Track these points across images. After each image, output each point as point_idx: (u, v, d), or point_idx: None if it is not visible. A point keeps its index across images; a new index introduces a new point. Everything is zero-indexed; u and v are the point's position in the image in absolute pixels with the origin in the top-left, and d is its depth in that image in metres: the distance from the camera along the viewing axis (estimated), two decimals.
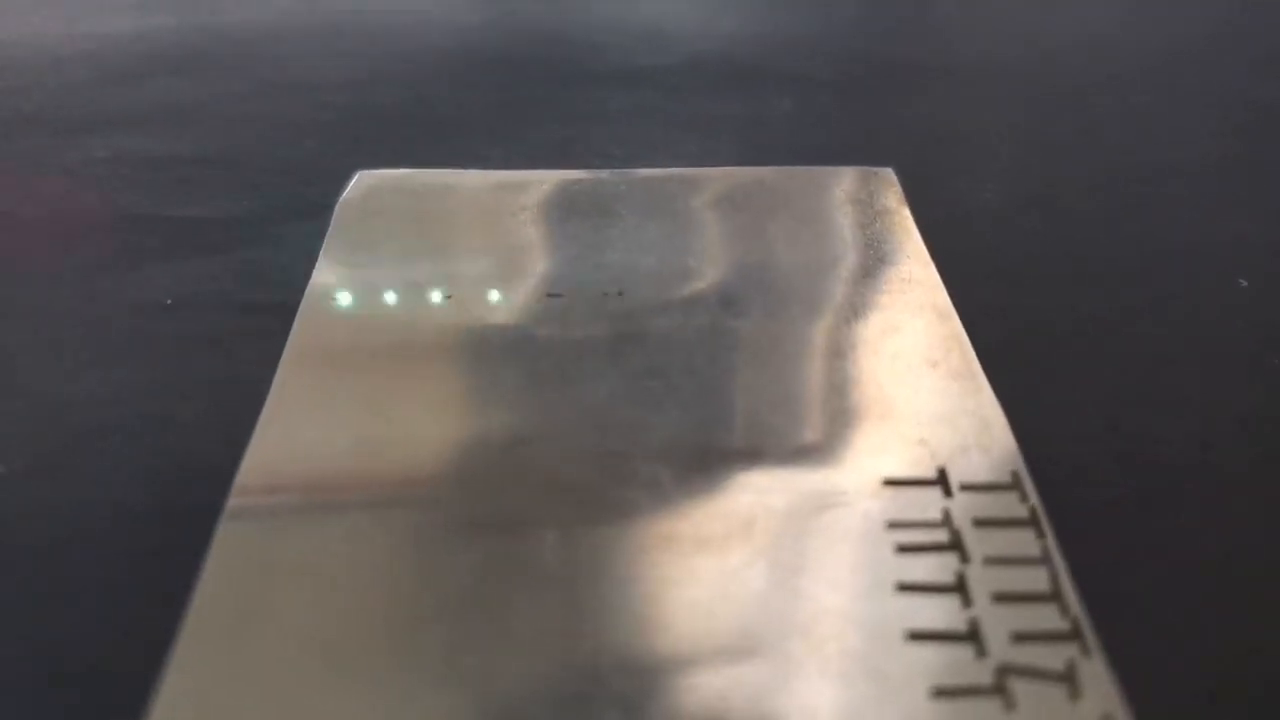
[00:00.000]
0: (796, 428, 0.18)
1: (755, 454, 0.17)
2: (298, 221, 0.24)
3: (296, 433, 0.18)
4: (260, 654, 0.14)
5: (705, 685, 0.14)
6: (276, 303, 0.21)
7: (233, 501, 0.16)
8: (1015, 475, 0.17)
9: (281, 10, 0.36)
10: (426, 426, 0.18)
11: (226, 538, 0.16)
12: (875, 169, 0.25)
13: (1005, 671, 0.14)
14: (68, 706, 0.14)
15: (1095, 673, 0.14)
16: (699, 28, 0.35)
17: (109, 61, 0.32)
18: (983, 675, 0.14)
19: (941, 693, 0.13)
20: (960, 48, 0.35)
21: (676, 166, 0.26)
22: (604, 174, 0.25)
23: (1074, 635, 0.14)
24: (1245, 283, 0.22)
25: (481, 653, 0.14)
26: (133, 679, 0.14)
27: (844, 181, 0.25)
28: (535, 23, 0.36)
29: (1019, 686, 0.14)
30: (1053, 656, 0.14)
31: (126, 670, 0.14)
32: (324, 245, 0.22)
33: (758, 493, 0.16)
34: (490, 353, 0.20)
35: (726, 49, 0.34)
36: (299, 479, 0.17)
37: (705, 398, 0.18)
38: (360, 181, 0.25)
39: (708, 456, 0.17)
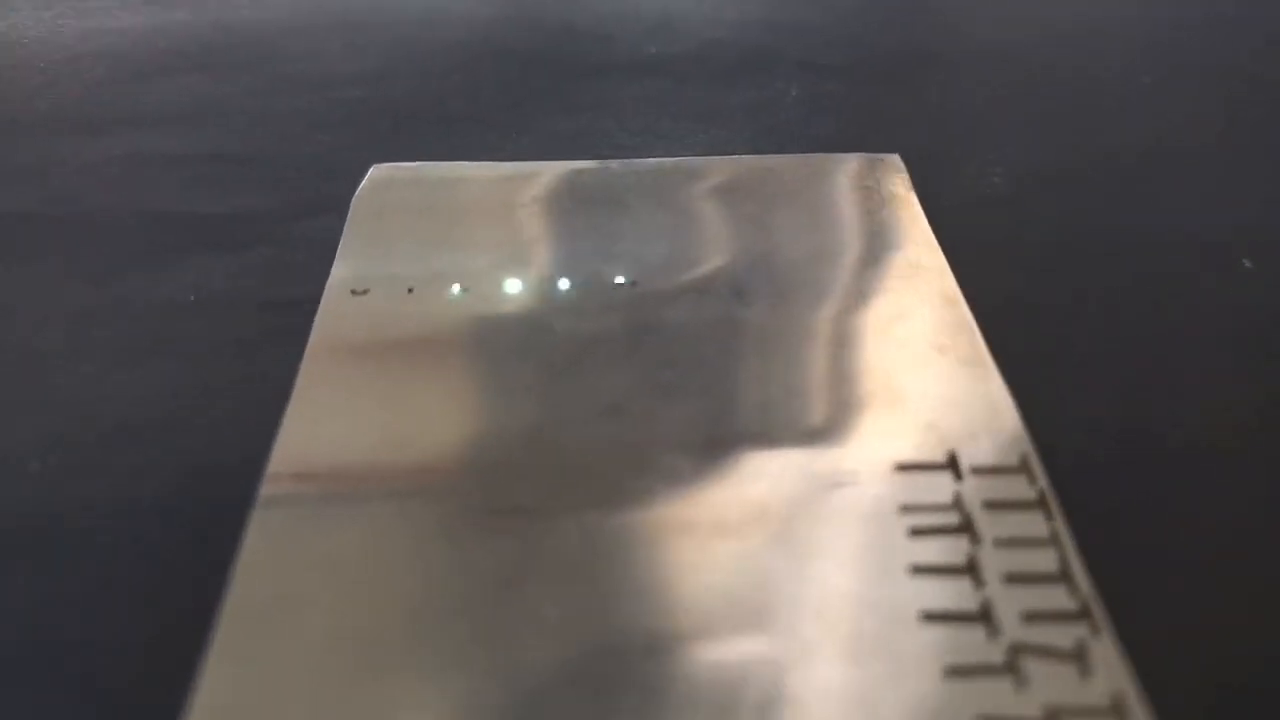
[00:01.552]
0: (808, 414, 0.18)
1: (769, 441, 0.17)
2: (315, 217, 0.24)
3: (323, 423, 0.18)
4: (297, 636, 0.14)
5: (723, 667, 0.14)
6: (297, 298, 0.21)
7: (265, 490, 0.17)
8: (1024, 458, 0.17)
9: (295, 4, 0.36)
10: (448, 417, 0.18)
11: (260, 525, 0.16)
12: (882, 155, 0.25)
13: (1017, 651, 0.14)
14: (110, 691, 0.15)
15: (1105, 651, 0.14)
16: (707, 15, 0.35)
17: (126, 58, 0.33)
18: (994, 654, 0.14)
19: (954, 672, 0.14)
20: (966, 32, 0.35)
21: (685, 156, 0.26)
22: (613, 164, 0.25)
23: (1084, 615, 0.14)
24: (1249, 264, 0.22)
25: (508, 637, 0.14)
26: (174, 661, 0.14)
27: (851, 168, 0.25)
28: (546, 14, 0.36)
29: (1030, 665, 0.14)
30: (1063, 636, 0.14)
31: (169, 653, 0.14)
32: (342, 240, 0.23)
33: (772, 479, 0.17)
34: (507, 344, 0.20)
35: (734, 37, 0.34)
36: (327, 468, 0.17)
37: (719, 387, 0.19)
38: (375, 175, 0.25)
39: (722, 444, 0.17)
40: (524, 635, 0.14)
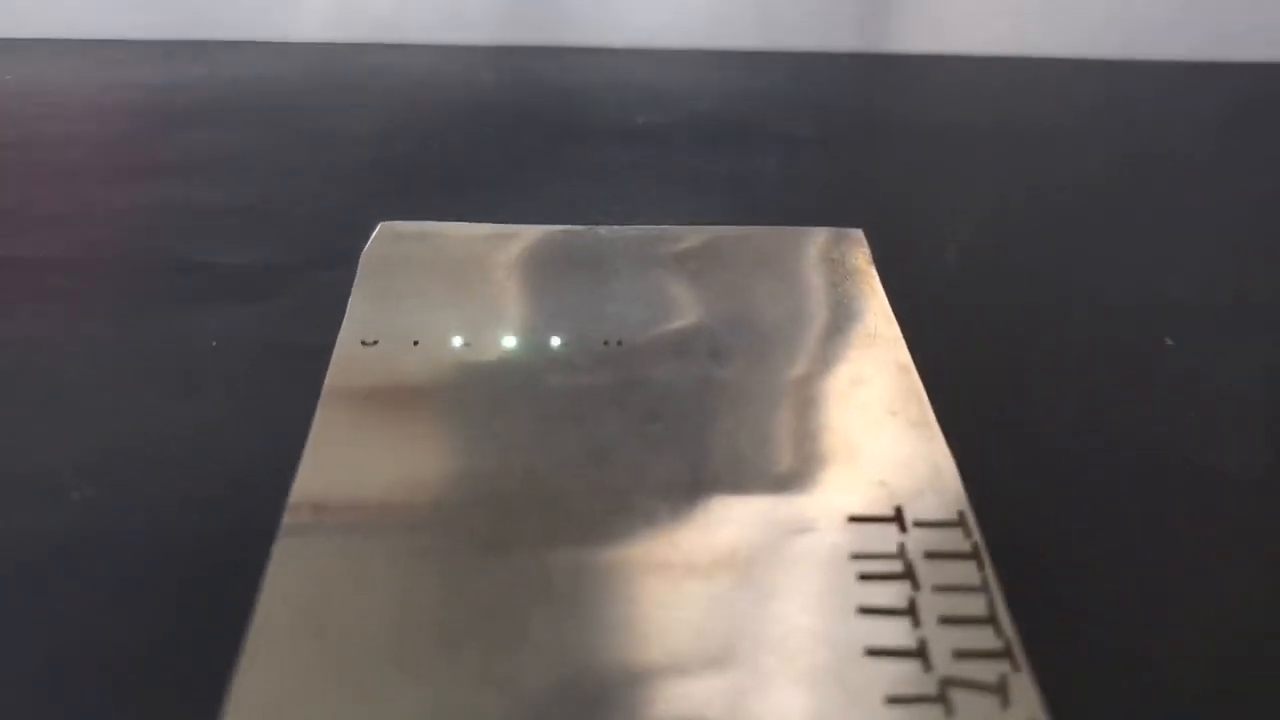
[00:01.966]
0: (774, 469, 0.20)
1: (738, 489, 0.19)
2: (328, 269, 0.26)
3: (338, 462, 0.20)
4: (319, 652, 0.16)
5: (693, 692, 0.16)
6: (313, 345, 0.23)
7: (286, 520, 0.18)
8: (961, 514, 0.19)
9: (305, 64, 0.38)
10: (450, 458, 0.20)
11: (282, 552, 0.18)
12: (846, 230, 0.27)
13: (947, 683, 0.16)
14: (148, 699, 0.16)
15: (1023, 686, 0.16)
16: (690, 87, 0.37)
17: (147, 111, 0.34)
18: (928, 686, 0.16)
19: (893, 700, 0.16)
20: (928, 110, 0.37)
21: (670, 222, 0.28)
22: (602, 230, 0.27)
23: (1006, 654, 0.16)
24: (1171, 341, 0.25)
25: (502, 658, 0.16)
26: (204, 672, 0.16)
27: (818, 241, 0.27)
28: (543, 81, 0.38)
29: (958, 696, 0.16)
30: (988, 671, 0.16)
31: (199, 665, 0.16)
32: (352, 293, 0.24)
33: (740, 525, 0.18)
34: (504, 393, 0.21)
35: (716, 108, 0.36)
36: (342, 501, 0.19)
37: (695, 439, 0.20)
38: (382, 233, 0.27)
39: (697, 491, 0.19)
40: (516, 657, 0.16)
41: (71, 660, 0.17)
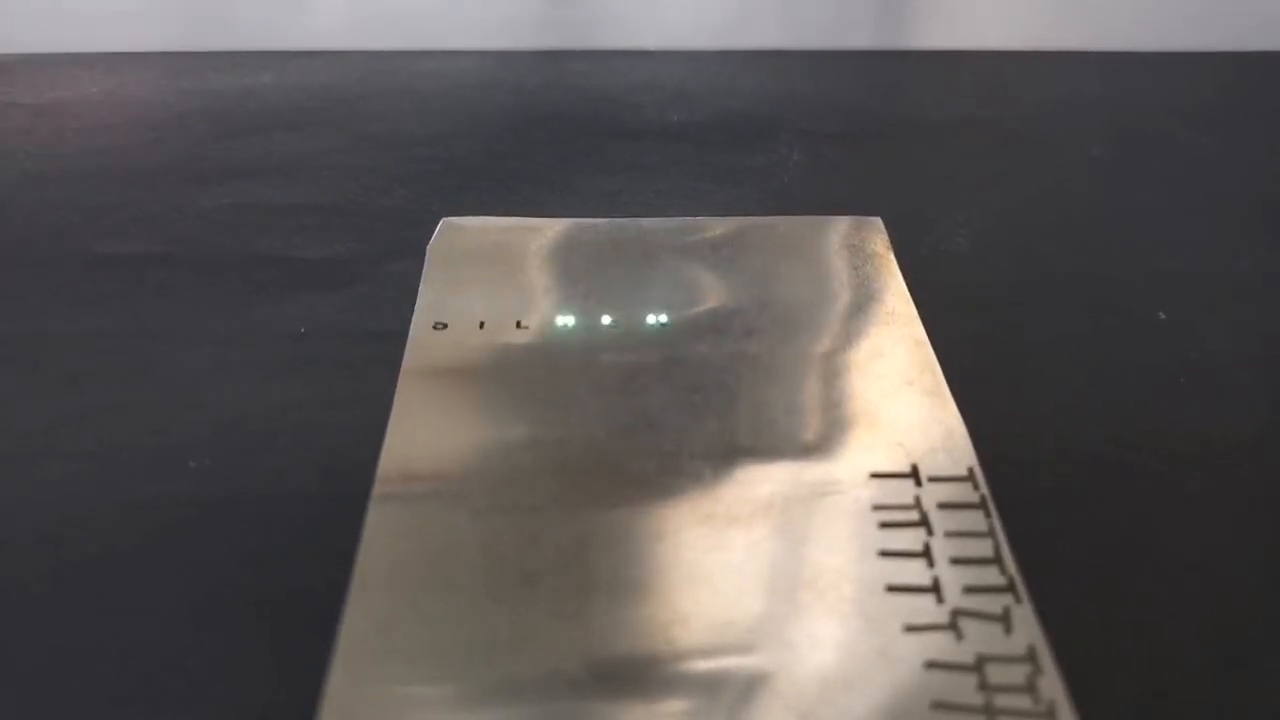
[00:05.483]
0: (803, 432, 0.22)
1: (772, 452, 0.21)
2: (400, 261, 0.28)
3: (420, 434, 0.21)
4: (417, 587, 0.18)
5: (738, 622, 0.18)
6: (390, 330, 0.25)
7: (377, 489, 0.20)
8: (970, 470, 0.21)
9: (365, 70, 0.40)
10: (519, 428, 0.22)
11: (377, 512, 0.20)
12: (866, 218, 0.29)
13: (958, 614, 0.18)
14: (278, 632, 0.18)
15: (1024, 616, 0.18)
16: (719, 87, 0.39)
17: (223, 117, 0.36)
18: (941, 617, 0.18)
19: (911, 628, 0.17)
20: (942, 106, 0.39)
21: (703, 213, 0.30)
22: (644, 221, 0.29)
23: (1009, 589, 0.18)
24: (1164, 315, 0.26)
25: (578, 599, 0.18)
26: (320, 610, 0.18)
27: (840, 229, 0.28)
28: (583, 83, 0.39)
29: (967, 625, 0.18)
30: (993, 604, 0.18)
31: (316, 603, 0.18)
32: (421, 282, 0.26)
33: (775, 483, 0.20)
34: (564, 370, 0.23)
35: (744, 107, 0.37)
36: (426, 470, 0.21)
37: (734, 409, 0.22)
38: (445, 227, 0.28)
39: (737, 454, 0.21)
40: (584, 595, 0.18)
41: (203, 600, 0.19)
